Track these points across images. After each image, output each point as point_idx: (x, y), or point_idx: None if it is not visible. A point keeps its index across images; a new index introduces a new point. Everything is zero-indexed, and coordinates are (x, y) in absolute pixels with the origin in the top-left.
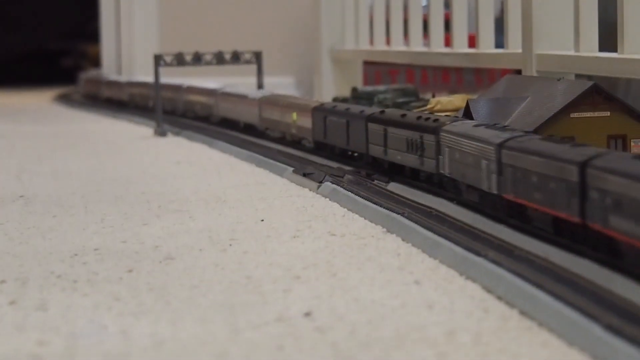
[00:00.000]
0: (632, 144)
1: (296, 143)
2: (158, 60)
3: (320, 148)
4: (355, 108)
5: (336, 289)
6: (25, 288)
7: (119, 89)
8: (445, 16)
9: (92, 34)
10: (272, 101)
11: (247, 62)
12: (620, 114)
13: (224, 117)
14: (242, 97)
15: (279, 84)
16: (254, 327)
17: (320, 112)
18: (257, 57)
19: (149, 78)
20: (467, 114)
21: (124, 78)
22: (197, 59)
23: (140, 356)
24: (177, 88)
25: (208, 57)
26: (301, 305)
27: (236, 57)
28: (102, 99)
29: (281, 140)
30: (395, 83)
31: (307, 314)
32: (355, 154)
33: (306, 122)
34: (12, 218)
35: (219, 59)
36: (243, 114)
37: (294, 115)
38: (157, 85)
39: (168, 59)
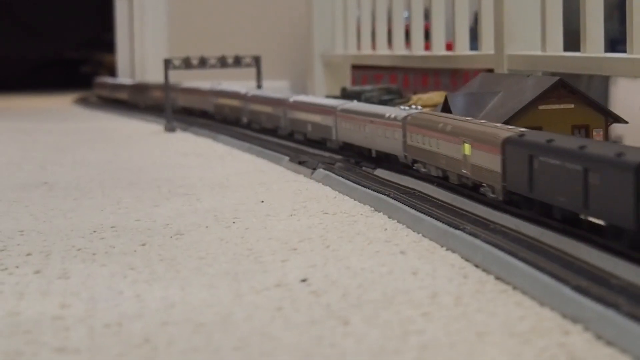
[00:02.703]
0: (594, 133)
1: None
2: (167, 64)
3: (518, 204)
4: (599, 147)
5: (329, 258)
6: (48, 260)
7: (201, 98)
8: (425, 27)
9: (108, 44)
10: (426, 123)
11: (248, 65)
12: (583, 106)
13: (345, 141)
14: (373, 116)
15: (276, 87)
16: (255, 292)
17: (521, 147)
18: (257, 61)
19: (237, 87)
20: (445, 107)
21: (207, 85)
22: (203, 62)
23: (152, 316)
24: (240, 96)
25: (212, 61)
26: (298, 272)
27: (238, 61)
28: (177, 108)
29: (278, 134)
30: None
31: (304, 280)
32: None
33: (490, 160)
34: (36, 201)
35: (222, 62)
36: (376, 139)
37: (466, 148)
38: (167, 86)
39: (176, 62)
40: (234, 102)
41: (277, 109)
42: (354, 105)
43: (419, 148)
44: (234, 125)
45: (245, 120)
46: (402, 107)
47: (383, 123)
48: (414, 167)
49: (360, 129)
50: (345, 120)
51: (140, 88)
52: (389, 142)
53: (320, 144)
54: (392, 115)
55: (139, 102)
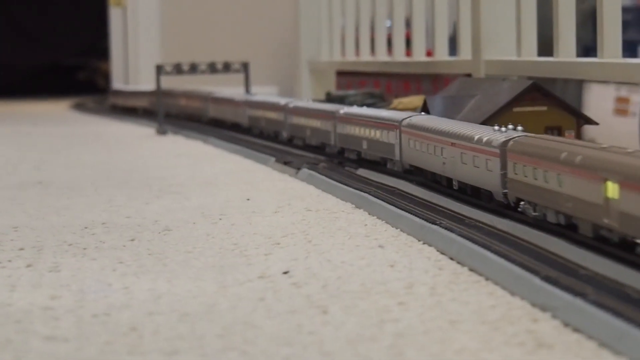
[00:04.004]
0: (566, 134)
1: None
2: (159, 69)
3: None
4: None
5: (311, 252)
6: (40, 254)
7: (233, 109)
8: (406, 35)
9: (104, 51)
10: (539, 150)
11: (236, 71)
12: (556, 108)
13: (412, 164)
14: (455, 137)
15: (264, 92)
16: (239, 284)
17: None
18: (245, 67)
19: (273, 97)
20: (425, 109)
21: (240, 96)
22: (193, 68)
23: (139, 307)
24: (280, 107)
25: (202, 67)
26: (280, 265)
27: (227, 67)
28: (205, 119)
29: (267, 137)
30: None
31: (286, 272)
32: None
33: None
34: (31, 199)
35: (212, 68)
36: (458, 168)
37: (610, 189)
38: (159, 91)
39: (168, 68)
40: (272, 115)
41: (325, 123)
42: (425, 119)
43: (528, 184)
44: (272, 142)
45: (285, 135)
46: (497, 126)
47: (471, 148)
48: (519, 209)
49: (434, 151)
50: (413, 139)
51: (165, 95)
52: (480, 173)
53: (376, 163)
54: (486, 139)
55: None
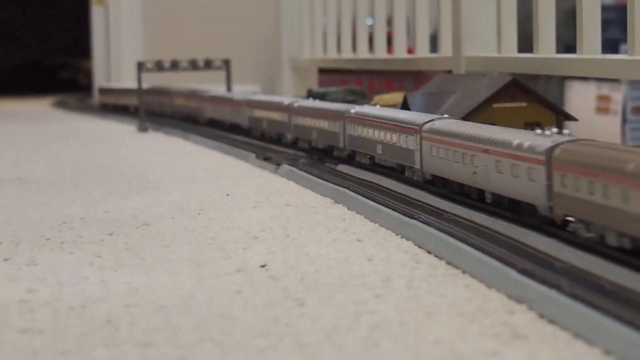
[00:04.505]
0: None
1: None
2: (141, 66)
3: None
4: None
5: (289, 246)
6: (18, 248)
7: (232, 110)
8: (388, 33)
9: (85, 49)
10: (595, 160)
11: (218, 68)
12: (536, 105)
13: (434, 174)
14: (488, 143)
15: (246, 90)
16: (216, 277)
17: None
18: (227, 64)
19: (279, 97)
20: (405, 106)
21: (240, 95)
22: (175, 65)
23: (115, 300)
24: (283, 107)
25: (184, 64)
26: (258, 259)
27: (208, 64)
28: (202, 121)
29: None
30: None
31: (263, 266)
32: None
33: None
34: (9, 195)
35: (194, 65)
36: (493, 178)
37: None
38: (140, 89)
39: (149, 65)
40: (275, 115)
41: (334, 124)
42: (450, 123)
43: (581, 200)
44: (275, 144)
45: (289, 137)
46: (539, 130)
47: (509, 155)
48: (568, 229)
49: (462, 159)
50: (436, 145)
51: (159, 94)
52: (520, 184)
53: (392, 169)
54: (528, 144)
55: (155, 109)
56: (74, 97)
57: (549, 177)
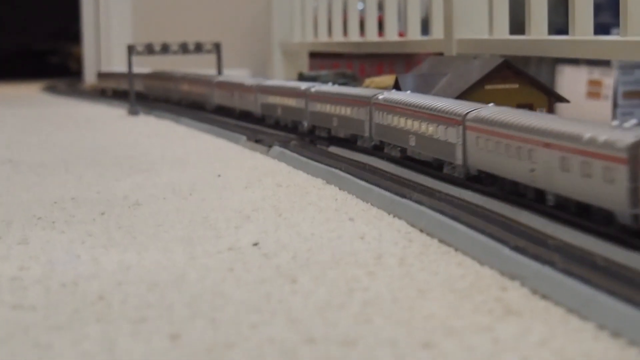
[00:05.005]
0: (537, 111)
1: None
2: (131, 50)
3: None
4: None
5: (281, 225)
6: (9, 228)
7: (243, 96)
8: (379, 18)
9: (75, 34)
10: None
11: (208, 51)
12: (528, 86)
13: (480, 169)
14: (565, 139)
15: (237, 75)
16: (208, 255)
17: None
18: (217, 47)
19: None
20: (396, 87)
21: (251, 80)
22: (165, 49)
23: (108, 277)
24: (300, 93)
25: (174, 47)
26: (250, 238)
27: (199, 48)
28: (210, 108)
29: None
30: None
31: (255, 244)
32: None
33: None
34: (0, 177)
35: (184, 49)
36: (577, 183)
37: None
38: (130, 72)
39: (140, 48)
40: (290, 102)
41: (358, 111)
42: (500, 112)
43: None
44: (292, 132)
45: (306, 125)
46: (616, 121)
47: (579, 150)
48: None
49: (517, 154)
50: (484, 138)
51: (163, 79)
52: (593, 185)
53: (426, 165)
54: (604, 138)
55: (159, 95)
56: (64, 82)
57: (634, 179)
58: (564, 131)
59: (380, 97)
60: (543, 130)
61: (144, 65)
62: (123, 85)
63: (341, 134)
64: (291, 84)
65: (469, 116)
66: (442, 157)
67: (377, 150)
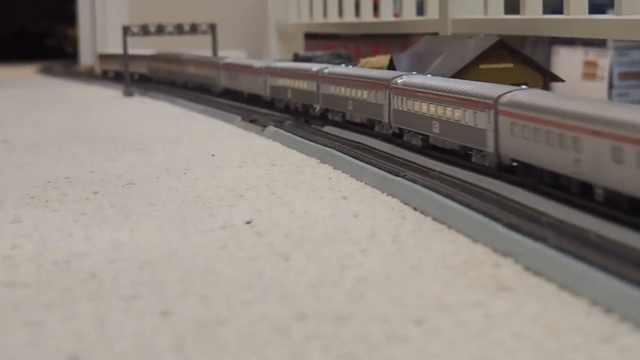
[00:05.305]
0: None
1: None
2: (126, 31)
3: None
4: None
5: (274, 204)
6: (2, 206)
7: (251, 79)
8: (374, 0)
9: (71, 16)
10: None
11: (204, 32)
12: (522, 66)
13: (514, 157)
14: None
15: (232, 56)
16: (201, 233)
17: None
18: (212, 28)
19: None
20: (391, 66)
21: (259, 62)
22: (160, 30)
23: (100, 255)
24: (311, 75)
25: (169, 28)
26: (243, 216)
27: (194, 29)
28: (217, 91)
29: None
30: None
31: (248, 222)
32: None
33: None
34: None
35: (179, 29)
36: (614, 174)
37: None
38: (125, 54)
39: (135, 29)
40: (301, 84)
41: (376, 95)
42: (536, 95)
43: None
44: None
45: (318, 109)
46: None
47: (633, 139)
48: None
49: (559, 142)
50: (520, 124)
51: (168, 61)
52: None
53: (452, 152)
54: None
55: (164, 78)
56: (60, 64)
57: None
58: (615, 117)
59: (399, 80)
60: (590, 116)
61: (140, 47)
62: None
63: (357, 119)
64: (302, 66)
65: (502, 100)
66: (470, 145)
67: (396, 137)
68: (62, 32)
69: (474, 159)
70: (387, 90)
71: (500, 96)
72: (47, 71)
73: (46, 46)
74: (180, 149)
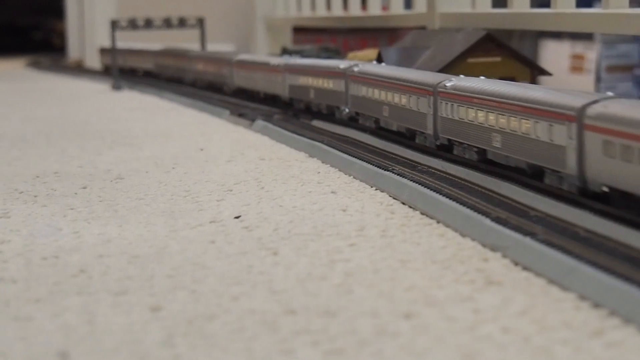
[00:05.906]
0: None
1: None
2: (114, 25)
3: None
4: None
5: (263, 198)
6: None
7: (268, 77)
8: None
9: (59, 9)
10: None
11: (192, 26)
12: (510, 59)
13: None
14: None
15: (219, 50)
16: (190, 228)
17: None
18: (201, 22)
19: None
20: (379, 60)
21: (277, 59)
22: (148, 24)
23: (89, 250)
24: (339, 73)
25: (157, 22)
26: (232, 210)
27: (182, 23)
28: (229, 90)
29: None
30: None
31: (237, 217)
32: None
33: None
34: None
35: (167, 23)
36: None
37: None
38: (114, 48)
39: (123, 23)
40: (327, 84)
41: (418, 101)
42: (629, 106)
43: None
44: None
45: (346, 112)
46: None
47: None
48: None
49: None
50: (615, 142)
51: (176, 57)
52: None
53: (518, 171)
54: None
55: (171, 75)
56: (48, 58)
57: None
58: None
59: (448, 84)
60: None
61: (126, 41)
62: (131, 63)
63: (393, 127)
64: (327, 63)
65: (589, 112)
66: (544, 164)
67: (443, 150)
68: (50, 26)
69: (547, 181)
70: (433, 97)
71: (584, 107)
72: (35, 65)
73: (34, 40)
74: (169, 143)
